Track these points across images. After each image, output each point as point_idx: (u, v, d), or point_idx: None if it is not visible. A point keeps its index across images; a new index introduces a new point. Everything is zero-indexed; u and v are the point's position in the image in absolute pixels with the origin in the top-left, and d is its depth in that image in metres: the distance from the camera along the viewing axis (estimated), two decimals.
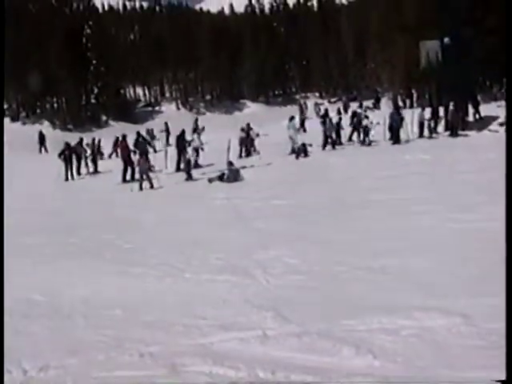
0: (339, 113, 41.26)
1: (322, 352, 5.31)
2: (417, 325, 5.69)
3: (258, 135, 27.84)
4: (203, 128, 33.89)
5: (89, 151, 29.22)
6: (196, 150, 24.29)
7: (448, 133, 26.65)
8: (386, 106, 47.41)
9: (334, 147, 25.75)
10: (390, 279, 7.27)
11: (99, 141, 35.26)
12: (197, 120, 36.21)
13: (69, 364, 5.58)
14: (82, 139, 29.92)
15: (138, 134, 26.27)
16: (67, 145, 27.35)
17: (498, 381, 4.21)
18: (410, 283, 7.01)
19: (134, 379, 5.16)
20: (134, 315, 6.88)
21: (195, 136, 25.55)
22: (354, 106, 44.44)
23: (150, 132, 36.32)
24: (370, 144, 25.60)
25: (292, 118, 26.83)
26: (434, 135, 26.73)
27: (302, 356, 5.27)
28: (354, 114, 28.23)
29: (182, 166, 23.07)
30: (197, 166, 23.73)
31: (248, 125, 28.31)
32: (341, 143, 26.37)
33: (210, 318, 6.49)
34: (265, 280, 7.84)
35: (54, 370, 5.48)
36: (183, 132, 24.98)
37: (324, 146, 25.81)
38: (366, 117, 27.27)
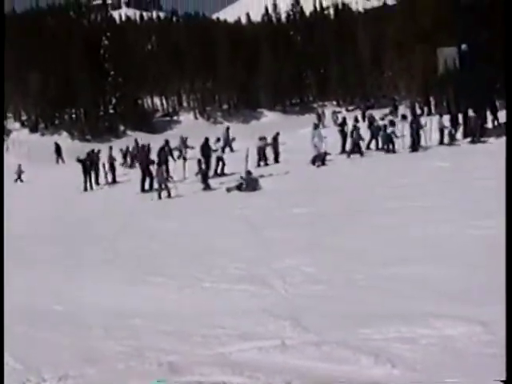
0: (356, 121, 41.12)
1: (340, 361, 5.28)
2: (435, 333, 5.65)
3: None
4: (233, 138, 33.16)
5: (121, 160, 29.63)
6: (219, 160, 24.39)
7: (467, 140, 26.44)
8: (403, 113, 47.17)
9: (360, 154, 25.58)
10: (407, 287, 7.21)
11: (131, 148, 35.72)
12: (228, 129, 34.55)
13: (88, 373, 5.60)
14: (111, 147, 30.32)
15: (167, 142, 26.36)
16: (88, 154, 27.70)
17: (499, 380, 4.19)
18: (430, 291, 6.94)
19: None
20: (152, 325, 6.89)
21: (218, 145, 25.39)
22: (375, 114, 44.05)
23: (183, 139, 34.06)
24: (394, 151, 25.22)
25: (316, 126, 26.63)
26: (454, 142, 26.54)
27: (321, 365, 5.24)
28: (371, 121, 27.91)
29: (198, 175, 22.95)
30: (221, 174, 23.82)
31: (277, 133, 28.08)
32: (360, 151, 26.13)
33: (229, 327, 6.48)
34: (283, 289, 7.82)
35: (72, 380, 5.50)
36: (207, 140, 25.05)
37: (348, 154, 25.64)
38: (393, 123, 26.92)
